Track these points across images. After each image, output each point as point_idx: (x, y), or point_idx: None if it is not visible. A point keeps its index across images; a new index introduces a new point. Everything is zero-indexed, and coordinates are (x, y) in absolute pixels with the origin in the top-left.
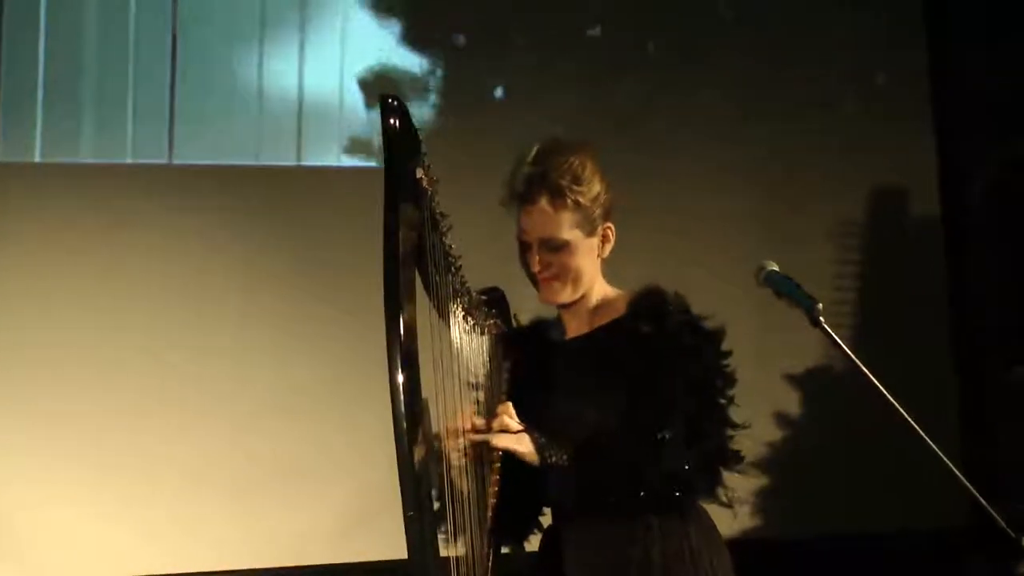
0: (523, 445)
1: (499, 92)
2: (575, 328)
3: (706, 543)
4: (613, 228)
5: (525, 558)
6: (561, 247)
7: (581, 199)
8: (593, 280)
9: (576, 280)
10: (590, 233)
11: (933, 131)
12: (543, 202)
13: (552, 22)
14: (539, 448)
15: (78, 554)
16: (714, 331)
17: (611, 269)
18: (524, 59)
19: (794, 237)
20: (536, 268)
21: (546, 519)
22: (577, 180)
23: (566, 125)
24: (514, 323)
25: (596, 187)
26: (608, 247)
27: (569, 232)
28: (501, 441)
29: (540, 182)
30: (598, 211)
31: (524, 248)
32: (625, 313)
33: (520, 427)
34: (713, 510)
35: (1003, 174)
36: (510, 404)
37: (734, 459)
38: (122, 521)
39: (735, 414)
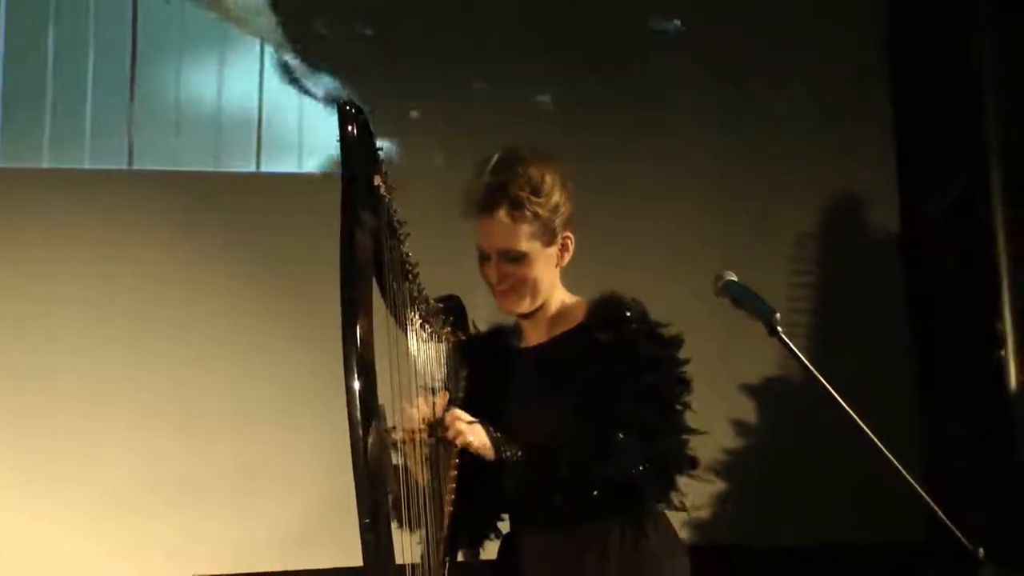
0: (478, 437)
1: (455, 99)
2: (534, 336)
3: (664, 549)
4: (572, 237)
5: (481, 566)
6: (519, 258)
7: (540, 210)
8: (552, 289)
9: (534, 290)
10: (549, 243)
11: (893, 142)
12: (501, 213)
13: (501, 27)
14: (494, 442)
15: (28, 560)
16: (672, 338)
17: (568, 277)
18: (476, 67)
19: (753, 247)
20: (494, 279)
21: (504, 527)
22: (536, 191)
23: (519, 132)
24: (472, 330)
25: (555, 198)
26: (567, 256)
27: (527, 244)
28: (458, 435)
29: (499, 193)
30: (557, 221)
31: (483, 258)
32: (583, 321)
33: (473, 420)
34: (673, 517)
35: (962, 186)
36: (457, 409)
37: (689, 464)
38: (73, 527)
39: (691, 420)
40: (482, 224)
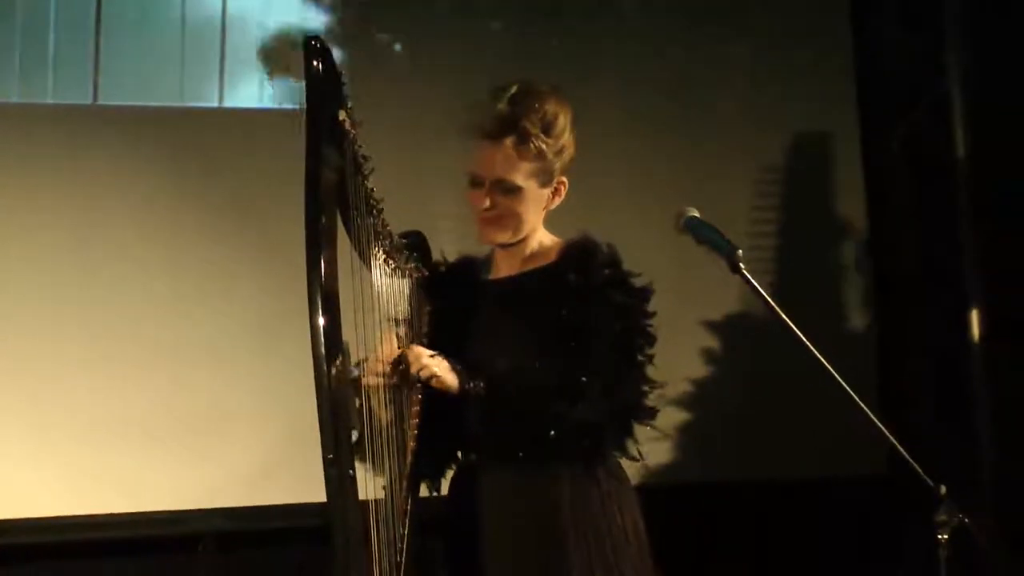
0: (442, 370)
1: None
2: (506, 269)
3: (615, 491)
4: (567, 184)
5: (441, 501)
6: (513, 191)
7: (546, 149)
8: (535, 227)
9: (518, 226)
10: (544, 184)
11: (855, 75)
12: (507, 143)
13: None
14: (458, 375)
15: (2, 494)
16: (641, 289)
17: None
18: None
19: (715, 183)
20: (483, 206)
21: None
22: (547, 130)
23: (481, 67)
24: (440, 259)
25: (563, 140)
26: (557, 201)
27: (524, 179)
28: (422, 370)
29: (510, 124)
30: (558, 164)
31: (475, 183)
32: (556, 260)
33: (435, 353)
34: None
35: (919, 119)
36: (417, 346)
37: (647, 414)
38: (43, 464)
39: (654, 373)
40: (484, 149)
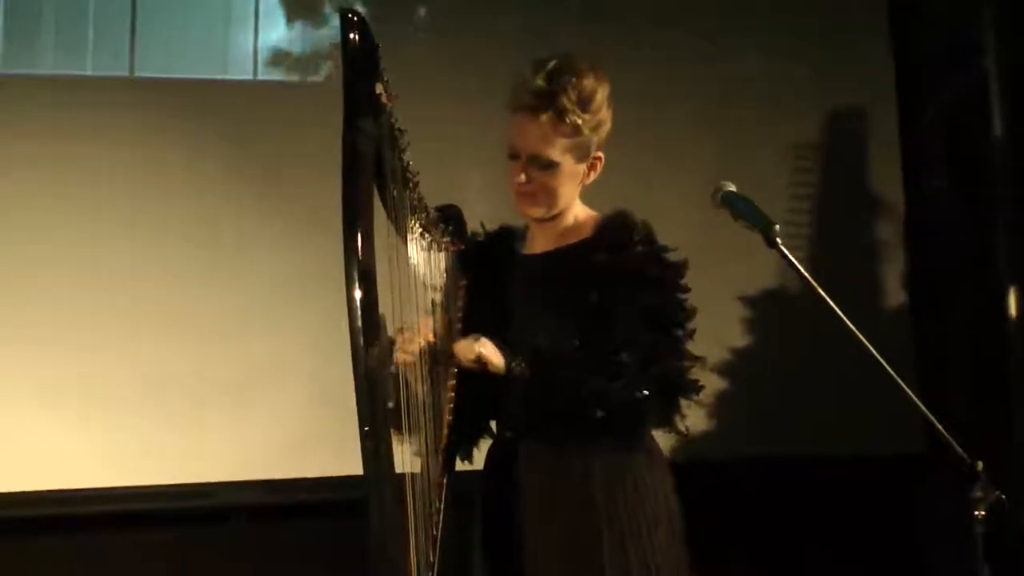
0: (488, 350)
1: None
2: (542, 244)
3: (648, 467)
4: (603, 159)
5: (477, 475)
6: (549, 166)
7: (582, 124)
8: (570, 202)
9: (553, 200)
10: (580, 160)
11: (891, 51)
12: (544, 118)
13: None
14: (504, 355)
15: (24, 465)
16: (677, 263)
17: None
18: None
19: (752, 158)
20: (519, 180)
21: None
22: (584, 105)
23: (517, 41)
24: (480, 229)
25: (600, 115)
26: (593, 176)
27: (561, 155)
28: (469, 350)
29: (547, 99)
30: (595, 140)
31: (512, 156)
32: (590, 236)
33: (478, 336)
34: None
35: (959, 96)
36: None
37: (691, 388)
38: (76, 435)
39: (692, 348)
40: (521, 123)
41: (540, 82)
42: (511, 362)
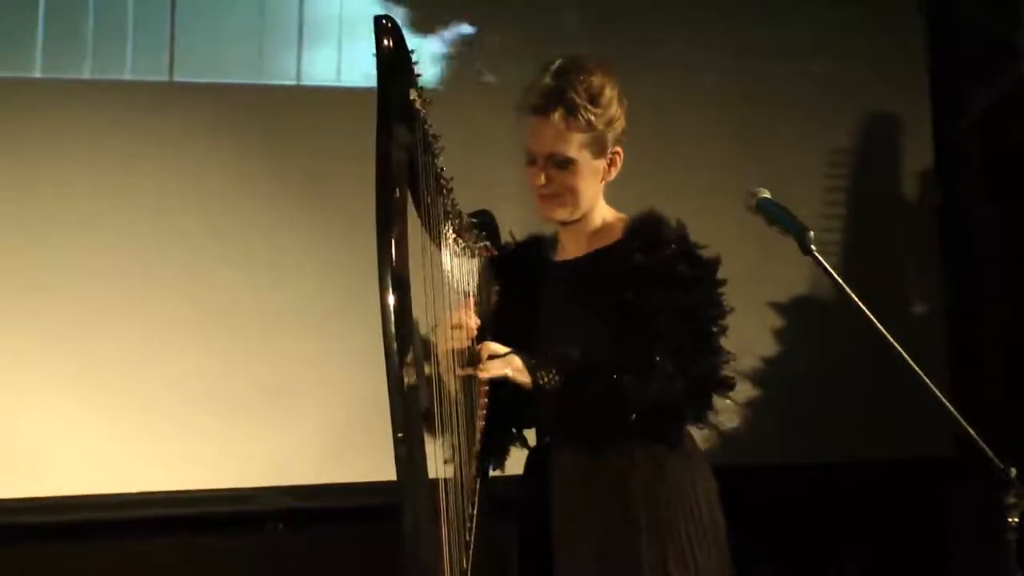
0: (514, 366)
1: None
2: (572, 249)
3: (688, 468)
4: (622, 154)
5: (510, 480)
6: (566, 164)
7: (594, 120)
8: (594, 202)
9: (576, 200)
10: (598, 155)
11: (925, 57)
12: (555, 117)
13: None
14: (530, 369)
15: (63, 469)
16: (709, 260)
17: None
18: None
19: (786, 164)
20: (538, 182)
21: (529, 439)
22: (594, 100)
23: (550, 47)
24: (509, 239)
25: (612, 110)
26: (614, 172)
27: (576, 151)
28: (493, 369)
29: (556, 97)
30: (610, 135)
31: (530, 161)
32: (621, 238)
33: (507, 350)
34: (698, 437)
35: (994, 101)
36: (490, 343)
37: (725, 385)
38: (112, 442)
39: (726, 344)
40: (534, 125)
41: (548, 81)
42: (540, 375)
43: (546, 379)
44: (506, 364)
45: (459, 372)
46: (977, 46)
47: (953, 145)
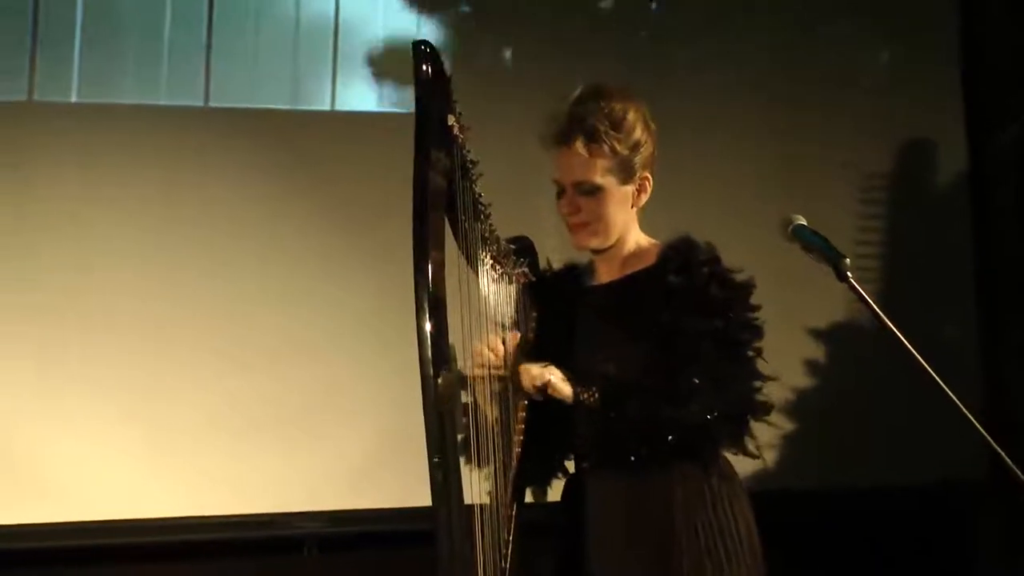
0: (556, 378)
1: (522, 38)
2: (606, 275)
3: (726, 492)
4: (651, 179)
5: (545, 506)
6: (594, 191)
7: (618, 145)
8: (626, 228)
9: (607, 227)
10: (625, 181)
11: (961, 83)
12: (578, 145)
13: None
14: (571, 383)
15: (96, 494)
16: (743, 284)
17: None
18: (543, 8)
19: (821, 191)
20: (568, 211)
21: (570, 467)
22: (616, 126)
23: (586, 74)
24: (546, 266)
25: (636, 135)
26: (644, 197)
27: (603, 178)
28: (536, 379)
29: (578, 125)
30: (636, 160)
31: (559, 191)
32: (655, 262)
33: (546, 364)
34: (735, 460)
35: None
36: (527, 364)
37: (762, 409)
38: (148, 466)
39: (763, 367)
40: (559, 155)
41: (569, 109)
42: (580, 392)
43: (585, 395)
44: (549, 372)
45: (495, 378)
46: (1012, 73)
47: (987, 170)
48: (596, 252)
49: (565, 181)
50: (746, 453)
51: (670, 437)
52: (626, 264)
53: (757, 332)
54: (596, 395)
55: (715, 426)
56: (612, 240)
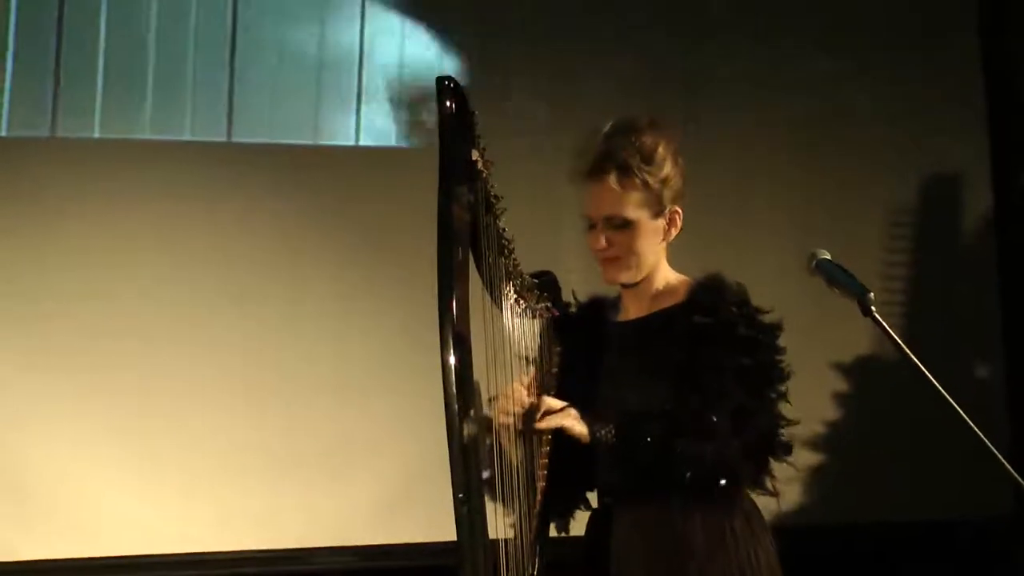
0: (569, 419)
1: (551, 75)
2: (634, 310)
3: (748, 528)
4: (681, 213)
5: (569, 541)
6: (625, 226)
7: (649, 179)
8: (657, 263)
9: (638, 261)
10: (656, 215)
11: (986, 118)
12: (610, 179)
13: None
14: (587, 424)
15: (123, 529)
16: (771, 325)
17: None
18: (568, 39)
19: (845, 225)
20: (599, 246)
21: (592, 499)
22: (647, 160)
23: (616, 107)
24: (571, 300)
25: (666, 169)
26: (674, 231)
27: (634, 212)
28: (550, 421)
29: (608, 159)
30: (667, 194)
31: (589, 226)
32: (684, 300)
33: (564, 404)
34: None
35: None
36: (547, 398)
37: (782, 449)
38: (172, 501)
39: (786, 411)
40: (590, 190)
41: (599, 144)
42: (597, 430)
43: (603, 432)
44: (563, 416)
45: (518, 426)
46: None
47: (1014, 206)
48: (625, 287)
49: (596, 215)
50: (765, 491)
51: (687, 473)
52: (654, 300)
53: (783, 375)
54: (612, 432)
55: (734, 464)
56: (643, 275)
